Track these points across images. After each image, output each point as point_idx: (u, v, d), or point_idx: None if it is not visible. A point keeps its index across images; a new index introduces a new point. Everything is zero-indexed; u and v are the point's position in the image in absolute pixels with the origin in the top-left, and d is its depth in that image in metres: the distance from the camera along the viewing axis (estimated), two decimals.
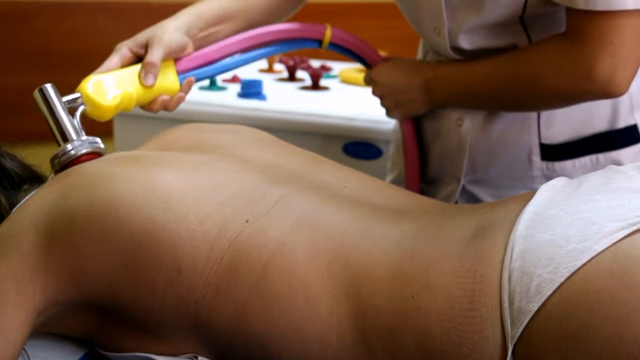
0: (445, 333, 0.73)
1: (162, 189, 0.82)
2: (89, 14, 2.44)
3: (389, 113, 1.23)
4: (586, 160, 1.15)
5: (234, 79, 1.70)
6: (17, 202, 0.94)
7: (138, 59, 1.05)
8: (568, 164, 1.15)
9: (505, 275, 0.73)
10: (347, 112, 1.48)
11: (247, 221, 0.82)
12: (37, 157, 1.05)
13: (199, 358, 0.84)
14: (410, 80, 1.17)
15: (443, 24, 1.11)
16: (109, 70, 1.03)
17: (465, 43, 1.11)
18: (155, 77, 1.03)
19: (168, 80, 1.05)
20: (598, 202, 0.77)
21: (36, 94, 0.97)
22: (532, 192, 0.83)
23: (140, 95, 1.02)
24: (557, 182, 0.85)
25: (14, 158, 1.01)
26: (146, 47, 1.04)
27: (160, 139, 1.04)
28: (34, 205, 0.85)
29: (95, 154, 0.94)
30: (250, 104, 1.51)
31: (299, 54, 1.83)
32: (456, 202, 1.21)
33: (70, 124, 0.96)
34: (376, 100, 1.59)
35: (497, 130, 1.16)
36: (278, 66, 1.92)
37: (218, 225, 0.81)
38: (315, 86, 1.71)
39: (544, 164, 1.15)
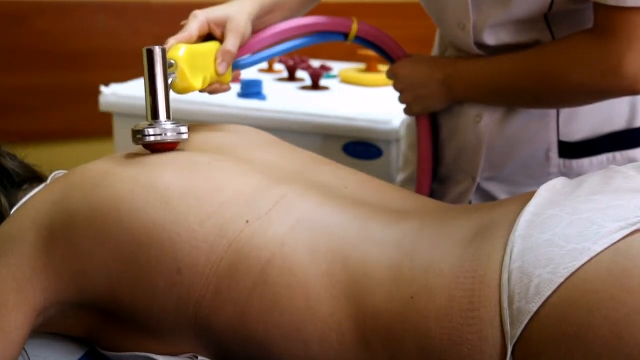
0: (445, 334, 0.73)
1: (163, 189, 0.82)
2: (89, 14, 2.44)
3: (408, 108, 1.23)
4: (603, 158, 1.15)
5: (234, 79, 1.69)
6: (17, 202, 0.94)
7: (208, 35, 1.03)
8: (585, 161, 1.15)
9: (505, 276, 0.73)
10: (347, 112, 1.48)
11: (247, 221, 0.82)
12: (37, 157, 1.05)
13: (199, 358, 0.84)
14: (431, 75, 1.18)
15: (468, 19, 1.10)
16: (189, 40, 0.98)
17: (490, 39, 1.11)
18: (229, 66, 1.02)
19: None
20: (598, 203, 0.77)
21: (144, 52, 0.92)
22: (532, 193, 0.83)
23: (207, 79, 1.00)
24: (557, 183, 0.85)
25: (14, 158, 1.01)
26: (222, 27, 1.02)
27: None
28: (34, 205, 0.85)
29: (175, 144, 0.92)
30: (250, 104, 1.51)
31: (299, 54, 1.83)
32: (470, 202, 1.21)
33: (164, 102, 0.93)
34: (376, 100, 1.59)
35: (516, 127, 1.16)
36: (278, 66, 1.92)
37: (218, 225, 0.81)
38: (315, 86, 1.71)
39: (562, 161, 1.16)
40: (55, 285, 0.82)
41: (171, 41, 0.96)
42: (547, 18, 1.08)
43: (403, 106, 1.24)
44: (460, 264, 0.76)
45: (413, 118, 1.33)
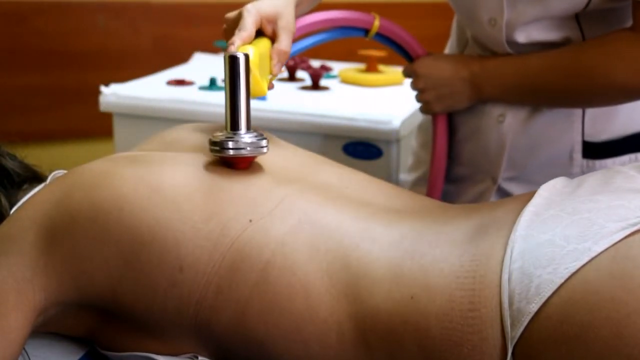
0: (445, 334, 0.73)
1: (168, 189, 0.82)
2: (89, 14, 2.44)
3: (428, 107, 1.21)
4: (625, 158, 1.15)
5: None
6: (17, 202, 0.94)
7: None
8: (608, 162, 1.15)
9: (505, 276, 0.73)
10: (347, 112, 1.48)
11: (250, 220, 0.82)
12: (37, 157, 1.05)
13: (199, 358, 0.84)
14: (455, 74, 1.17)
15: (501, 15, 1.10)
16: (250, 40, 0.94)
17: (521, 36, 1.11)
18: (282, 66, 0.98)
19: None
20: (598, 203, 0.77)
21: (226, 59, 0.86)
22: (532, 192, 0.83)
23: (266, 80, 0.94)
24: (557, 182, 0.85)
25: (14, 158, 1.01)
26: (273, 23, 0.97)
27: (160, 139, 1.03)
28: (34, 204, 0.85)
29: (253, 158, 0.89)
30: (251, 104, 1.51)
31: (299, 54, 1.82)
32: None
33: (245, 112, 0.87)
34: (376, 100, 1.59)
35: (540, 127, 1.16)
36: None
37: (221, 224, 0.81)
38: (315, 86, 1.71)
39: (585, 161, 1.15)
40: (56, 285, 0.82)
41: (237, 41, 0.92)
42: (578, 16, 1.08)
43: (417, 105, 1.23)
44: (460, 264, 0.76)
45: (427, 117, 1.32)
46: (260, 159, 0.92)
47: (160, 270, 0.80)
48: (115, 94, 1.57)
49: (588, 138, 1.15)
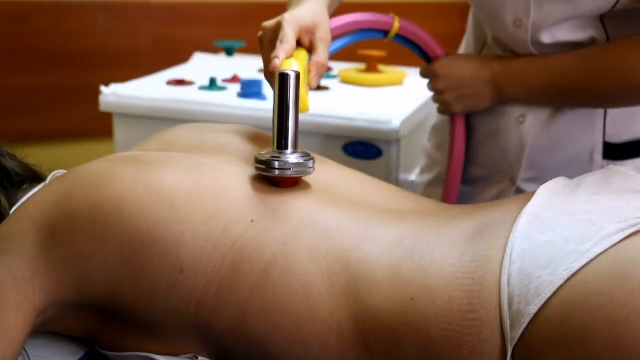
0: (445, 335, 0.73)
1: (167, 189, 0.82)
2: (89, 14, 2.44)
3: (447, 107, 1.21)
4: None
5: (234, 79, 1.70)
6: (17, 202, 0.94)
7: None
8: (628, 163, 1.15)
9: (505, 278, 0.73)
10: (347, 112, 1.48)
11: (252, 221, 0.82)
12: (37, 157, 1.05)
13: (200, 358, 0.84)
14: (476, 75, 1.16)
15: (528, 16, 1.10)
16: (292, 52, 0.91)
17: (546, 37, 1.10)
18: (320, 79, 0.95)
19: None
20: (597, 203, 0.77)
21: (277, 77, 0.84)
22: (532, 193, 0.82)
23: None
24: (557, 182, 0.85)
25: (14, 158, 1.01)
26: (310, 34, 0.94)
27: (160, 139, 1.03)
28: (35, 204, 0.85)
29: (299, 178, 0.88)
30: (250, 104, 1.51)
31: None
32: None
33: (294, 132, 0.86)
34: (376, 100, 1.59)
35: (561, 128, 1.16)
36: None
37: (222, 225, 0.81)
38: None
39: (605, 162, 1.15)
40: (56, 285, 0.82)
41: (281, 55, 0.89)
42: (602, 16, 1.07)
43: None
44: (460, 265, 0.76)
45: (441, 118, 1.32)
46: None
47: (160, 270, 0.80)
48: (115, 94, 1.56)
49: (609, 139, 1.15)
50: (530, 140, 1.17)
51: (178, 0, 2.52)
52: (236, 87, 1.63)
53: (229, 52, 1.99)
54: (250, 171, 0.89)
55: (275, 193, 0.85)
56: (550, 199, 0.80)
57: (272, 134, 0.88)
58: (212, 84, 1.64)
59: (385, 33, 1.17)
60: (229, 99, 1.55)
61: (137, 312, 0.82)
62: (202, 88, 1.64)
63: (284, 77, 0.84)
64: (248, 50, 2.03)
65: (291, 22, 0.92)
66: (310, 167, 0.86)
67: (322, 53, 0.94)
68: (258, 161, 0.86)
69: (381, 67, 1.82)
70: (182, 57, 2.01)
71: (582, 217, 0.75)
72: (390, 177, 1.45)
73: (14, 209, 0.92)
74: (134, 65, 2.39)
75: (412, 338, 0.75)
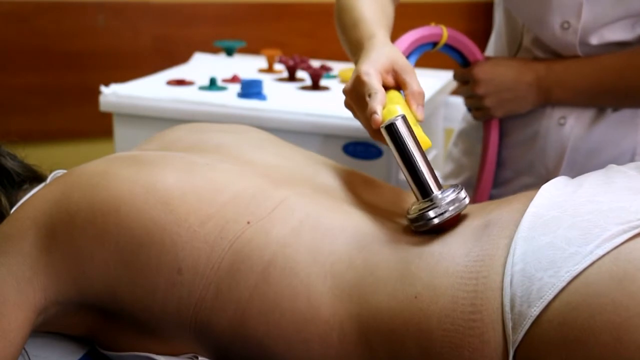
0: (447, 336, 0.73)
1: (163, 190, 0.82)
2: (89, 14, 2.43)
3: (489, 112, 1.20)
4: None
5: (234, 79, 1.70)
6: (17, 202, 0.94)
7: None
8: None
9: (507, 279, 0.72)
10: (347, 112, 1.47)
11: (248, 222, 0.82)
12: (37, 157, 1.05)
13: (199, 358, 0.84)
14: (519, 78, 1.16)
15: (578, 18, 1.09)
16: (385, 98, 0.88)
17: (595, 38, 1.10)
18: (424, 108, 0.92)
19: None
20: (599, 204, 0.76)
21: (384, 131, 0.82)
22: (535, 191, 0.82)
23: None
24: (559, 182, 0.85)
25: (14, 158, 1.01)
26: (390, 72, 0.93)
27: (160, 139, 1.03)
28: (34, 204, 0.85)
29: (459, 214, 0.82)
30: (250, 104, 1.51)
31: (298, 54, 1.82)
32: None
33: (429, 174, 0.81)
34: None
35: (603, 130, 1.15)
36: (278, 66, 1.92)
37: (219, 226, 0.81)
38: (315, 86, 1.71)
39: None
40: (56, 284, 0.82)
41: (377, 107, 0.86)
42: None
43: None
44: (464, 264, 0.76)
45: (469, 124, 1.31)
46: (260, 160, 0.92)
47: (159, 271, 0.80)
48: (115, 94, 1.56)
49: None
50: (572, 142, 1.16)
51: (178, 0, 2.52)
52: (236, 87, 1.63)
53: (229, 52, 1.99)
54: (248, 170, 0.89)
55: (272, 192, 0.85)
56: (552, 199, 0.80)
57: (407, 186, 0.83)
58: (212, 84, 1.64)
59: (434, 44, 1.17)
60: (228, 99, 1.55)
61: (136, 312, 0.82)
62: (202, 88, 1.63)
63: (392, 127, 0.81)
64: (248, 50, 2.03)
65: (369, 72, 0.90)
66: (464, 198, 0.82)
67: (413, 84, 0.92)
68: (412, 220, 0.82)
69: None
70: (182, 57, 2.01)
71: (584, 218, 0.74)
72: (390, 177, 1.45)
73: (14, 208, 0.92)
74: (134, 65, 2.38)
75: (414, 338, 0.74)
